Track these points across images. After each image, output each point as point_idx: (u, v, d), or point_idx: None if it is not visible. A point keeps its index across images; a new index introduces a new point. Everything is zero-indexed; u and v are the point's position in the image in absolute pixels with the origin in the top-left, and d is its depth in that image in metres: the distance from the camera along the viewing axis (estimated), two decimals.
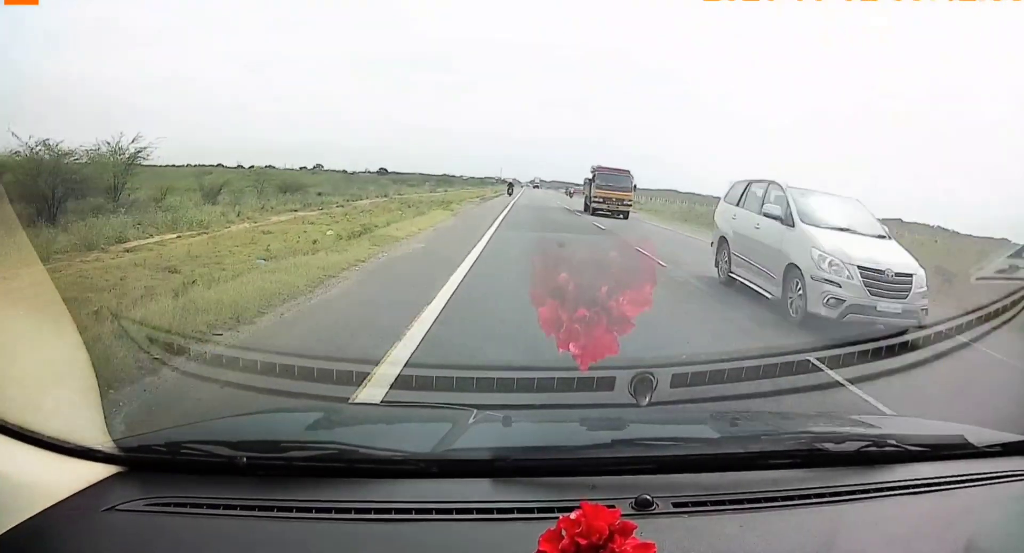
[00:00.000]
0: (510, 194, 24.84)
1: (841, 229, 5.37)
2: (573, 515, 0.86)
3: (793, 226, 5.49)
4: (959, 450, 1.63)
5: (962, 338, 3.98)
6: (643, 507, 1.29)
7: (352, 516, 1.28)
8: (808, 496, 1.40)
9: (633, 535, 0.87)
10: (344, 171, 19.79)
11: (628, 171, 16.59)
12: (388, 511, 1.29)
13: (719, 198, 7.76)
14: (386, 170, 21.85)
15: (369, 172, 20.78)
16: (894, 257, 5.14)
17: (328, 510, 1.28)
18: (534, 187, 29.04)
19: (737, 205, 6.57)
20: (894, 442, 1.60)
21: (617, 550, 0.84)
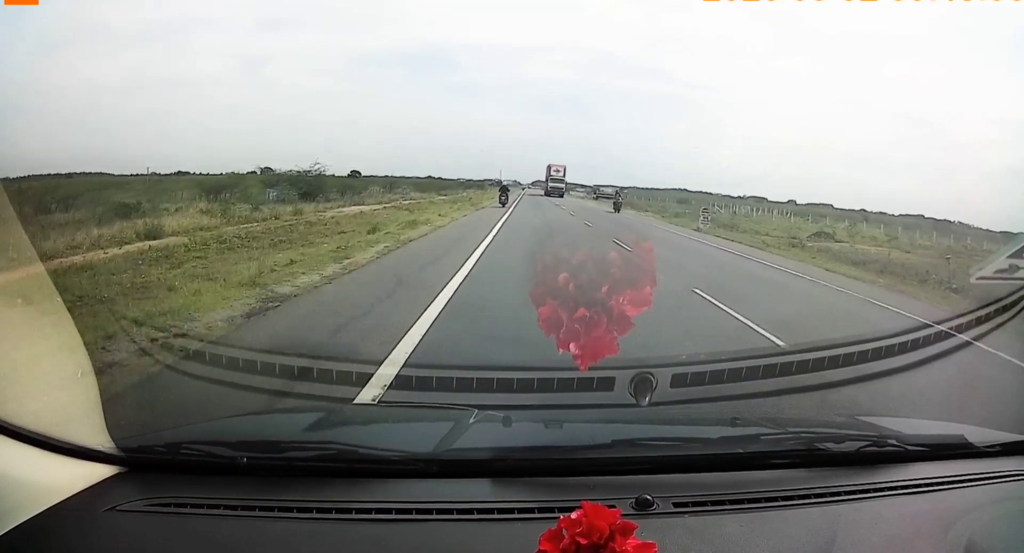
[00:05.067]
0: (503, 203, 17.62)
1: None
2: (574, 515, 0.86)
3: None
4: (959, 450, 1.63)
5: (962, 338, 3.98)
6: (643, 507, 1.30)
7: (352, 516, 1.28)
8: (808, 496, 1.40)
9: (634, 535, 0.87)
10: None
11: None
12: (389, 511, 1.29)
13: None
14: (359, 173, 18.49)
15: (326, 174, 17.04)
16: None
17: (328, 510, 1.28)
18: (547, 193, 18.72)
19: None
20: (894, 442, 1.60)
21: (618, 550, 0.84)
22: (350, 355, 3.81)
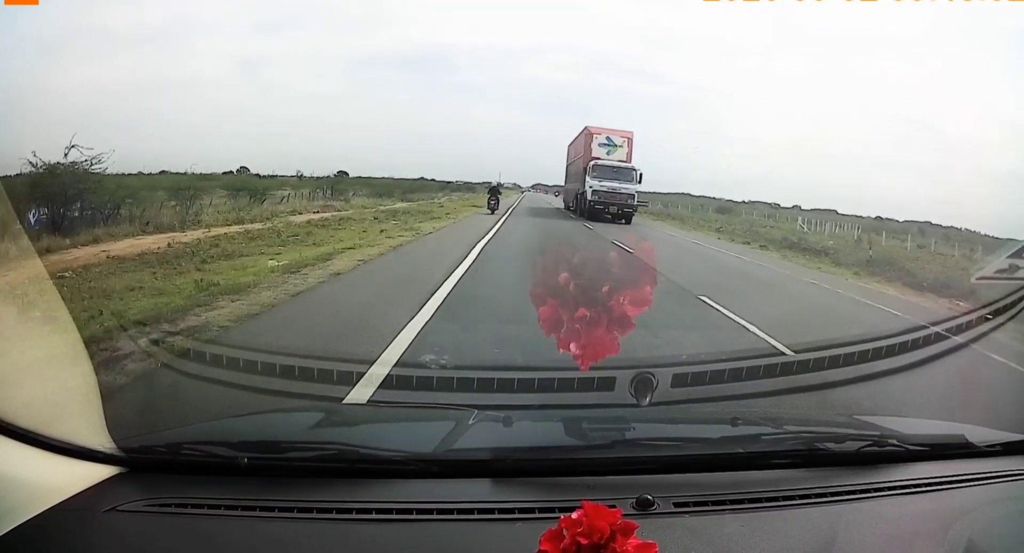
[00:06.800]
0: (492, 209, 15.22)
1: None
2: (575, 515, 0.86)
3: None
4: (959, 450, 1.63)
5: (962, 338, 3.98)
6: (644, 507, 1.30)
7: (353, 516, 1.28)
8: (808, 496, 1.40)
9: (635, 535, 0.87)
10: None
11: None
12: (389, 511, 1.29)
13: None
14: (346, 173, 18.20)
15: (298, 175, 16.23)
16: None
17: (329, 510, 1.28)
18: (584, 206, 13.51)
19: None
20: (894, 442, 1.60)
21: (619, 550, 0.84)
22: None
